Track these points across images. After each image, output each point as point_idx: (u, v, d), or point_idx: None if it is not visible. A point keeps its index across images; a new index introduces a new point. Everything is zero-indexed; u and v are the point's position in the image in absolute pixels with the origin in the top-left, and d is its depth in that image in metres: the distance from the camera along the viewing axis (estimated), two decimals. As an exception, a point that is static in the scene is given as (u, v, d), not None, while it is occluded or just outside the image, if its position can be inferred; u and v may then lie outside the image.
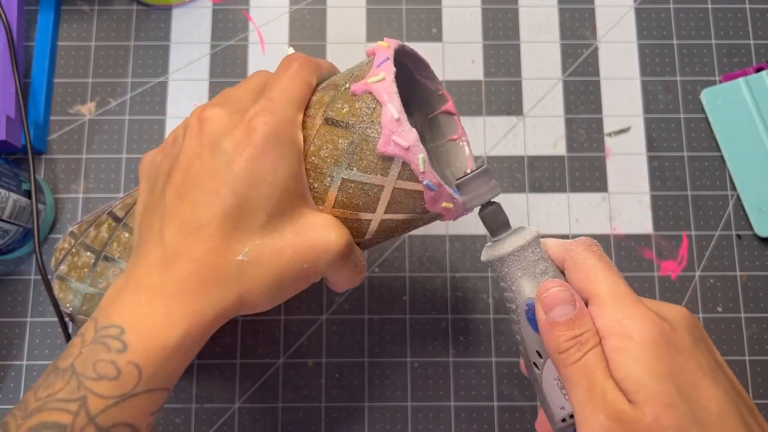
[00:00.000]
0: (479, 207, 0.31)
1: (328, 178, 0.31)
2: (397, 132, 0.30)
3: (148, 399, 0.27)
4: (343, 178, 0.31)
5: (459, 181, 0.30)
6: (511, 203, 0.47)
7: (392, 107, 0.30)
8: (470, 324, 0.45)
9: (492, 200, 0.30)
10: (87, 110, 0.48)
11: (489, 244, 0.31)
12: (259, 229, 0.29)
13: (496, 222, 0.30)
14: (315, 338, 0.44)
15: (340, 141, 0.31)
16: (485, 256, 0.31)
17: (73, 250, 0.37)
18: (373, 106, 0.30)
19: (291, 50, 0.49)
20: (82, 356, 0.27)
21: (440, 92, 0.37)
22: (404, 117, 0.30)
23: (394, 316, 0.45)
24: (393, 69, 0.31)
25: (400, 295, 0.45)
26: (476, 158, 0.31)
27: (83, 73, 0.48)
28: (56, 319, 0.44)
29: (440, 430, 0.43)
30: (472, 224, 0.46)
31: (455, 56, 0.49)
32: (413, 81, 0.37)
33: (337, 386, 0.44)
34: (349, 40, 0.49)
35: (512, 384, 0.44)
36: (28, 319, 0.44)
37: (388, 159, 0.30)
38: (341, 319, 0.45)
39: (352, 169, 0.31)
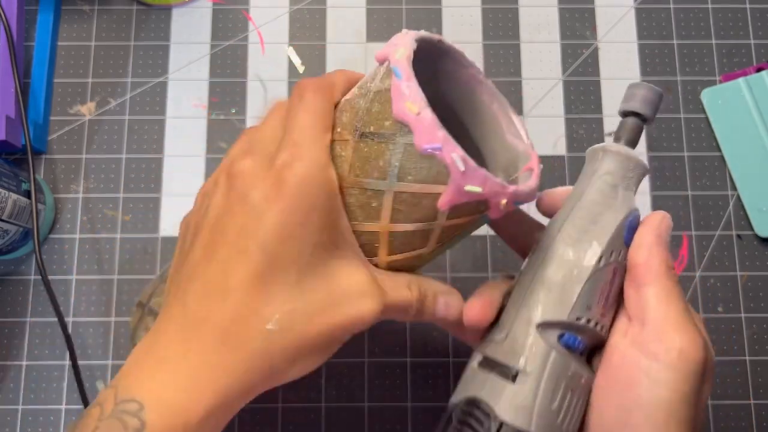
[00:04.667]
0: (629, 112, 0.31)
1: (379, 194, 0.29)
2: (467, 180, 0.27)
3: None
4: (394, 191, 0.28)
5: (634, 82, 0.31)
6: (511, 203, 0.47)
7: (457, 160, 0.27)
8: (470, 324, 0.45)
9: (643, 115, 0.31)
10: (87, 110, 0.48)
11: (620, 143, 0.31)
12: (290, 290, 0.27)
13: (631, 136, 0.31)
14: (315, 338, 0.44)
15: (382, 153, 0.28)
16: (615, 147, 0.31)
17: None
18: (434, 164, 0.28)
19: (291, 50, 0.49)
20: None
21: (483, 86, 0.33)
22: (471, 163, 0.27)
23: (394, 316, 0.45)
24: (439, 130, 0.27)
25: (400, 295, 0.45)
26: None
27: (83, 73, 0.48)
28: (56, 319, 0.44)
29: (440, 430, 0.43)
30: (472, 224, 0.46)
31: (455, 56, 0.49)
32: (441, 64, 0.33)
33: (337, 386, 0.44)
34: (349, 40, 0.49)
35: (512, 384, 0.44)
36: (28, 319, 0.44)
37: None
38: (341, 319, 0.45)
39: (403, 181, 0.28)
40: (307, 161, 0.27)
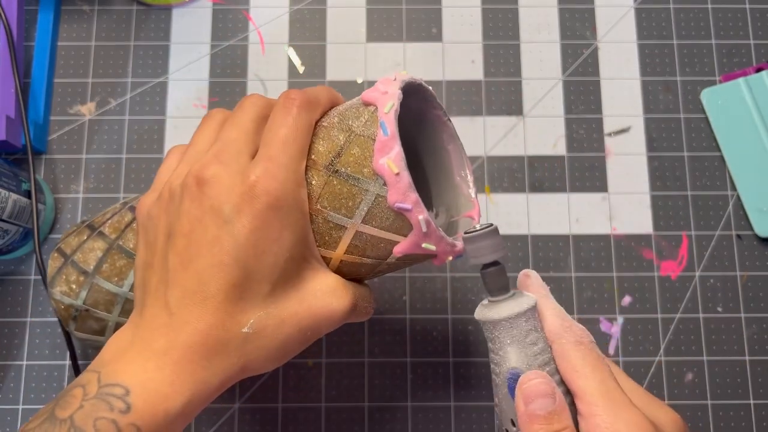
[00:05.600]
0: (483, 267, 0.30)
1: (341, 228, 0.30)
2: (426, 240, 0.30)
3: None
4: (357, 230, 0.30)
5: (467, 235, 0.29)
6: (511, 203, 0.47)
7: (422, 223, 0.29)
8: (470, 324, 0.45)
9: (497, 260, 0.30)
10: (87, 110, 0.48)
11: (485, 302, 0.30)
12: (264, 299, 0.29)
13: (497, 283, 0.30)
14: (315, 338, 0.45)
15: (353, 195, 0.30)
16: (479, 315, 0.30)
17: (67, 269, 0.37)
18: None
19: (291, 50, 0.49)
20: (83, 410, 0.27)
21: (445, 119, 0.36)
22: (432, 226, 0.29)
23: (394, 317, 0.45)
24: (407, 179, 0.29)
25: (400, 295, 0.45)
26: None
27: (83, 73, 0.48)
28: (56, 319, 0.44)
29: (440, 430, 0.43)
30: (472, 224, 0.46)
31: (455, 56, 0.49)
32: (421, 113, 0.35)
33: (337, 386, 0.44)
34: (349, 40, 0.49)
35: (512, 384, 0.44)
36: (28, 319, 0.44)
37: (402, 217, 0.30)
38: (341, 319, 0.45)
39: (367, 224, 0.30)
40: (281, 180, 0.29)
